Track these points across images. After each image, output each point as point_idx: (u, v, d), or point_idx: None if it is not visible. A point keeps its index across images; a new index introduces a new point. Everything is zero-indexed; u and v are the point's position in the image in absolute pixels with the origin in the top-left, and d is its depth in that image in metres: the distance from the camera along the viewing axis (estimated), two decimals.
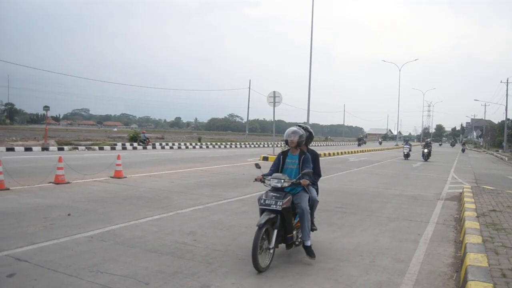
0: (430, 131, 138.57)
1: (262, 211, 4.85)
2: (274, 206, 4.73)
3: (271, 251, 4.81)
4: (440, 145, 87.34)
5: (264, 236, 4.67)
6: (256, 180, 5.27)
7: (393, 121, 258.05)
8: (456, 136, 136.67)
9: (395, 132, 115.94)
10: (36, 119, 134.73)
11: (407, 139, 39.79)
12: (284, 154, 5.44)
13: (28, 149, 22.97)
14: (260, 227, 4.58)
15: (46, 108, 26.42)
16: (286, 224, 4.89)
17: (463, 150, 51.25)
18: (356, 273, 4.87)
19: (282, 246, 5.21)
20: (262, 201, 4.84)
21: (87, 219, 6.94)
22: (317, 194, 5.81)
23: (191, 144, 37.87)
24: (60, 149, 24.54)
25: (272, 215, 4.72)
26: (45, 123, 31.84)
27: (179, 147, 34.63)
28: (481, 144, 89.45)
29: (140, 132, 37.81)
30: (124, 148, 29.27)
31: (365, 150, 42.20)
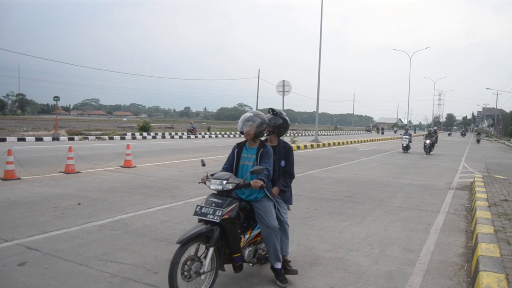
0: (441, 120, 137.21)
1: (199, 222, 3.75)
2: (211, 216, 3.58)
3: (204, 277, 3.60)
4: (449, 134, 78.27)
5: (197, 256, 3.59)
6: (201, 181, 4.11)
7: (403, 110, 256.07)
8: (467, 125, 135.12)
9: (405, 121, 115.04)
10: (46, 110, 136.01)
11: (406, 128, 30.25)
12: (240, 146, 4.28)
13: (39, 139, 23.19)
14: (182, 244, 3.41)
15: (56, 98, 26.57)
16: (229, 240, 3.74)
17: (478, 141, 44.97)
18: (366, 262, 4.84)
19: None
20: (197, 209, 3.70)
21: (97, 209, 6.98)
22: (291, 201, 4.52)
23: (200, 134, 37.92)
24: (71, 139, 24.74)
25: (208, 227, 3.59)
26: (56, 113, 32.10)
27: (189, 137, 34.69)
28: (492, 133, 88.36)
29: (150, 122, 38.43)
30: (133, 137, 29.41)
31: (375, 139, 41.95)
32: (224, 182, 3.78)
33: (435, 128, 31.39)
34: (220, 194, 3.78)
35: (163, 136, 32.50)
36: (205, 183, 4.00)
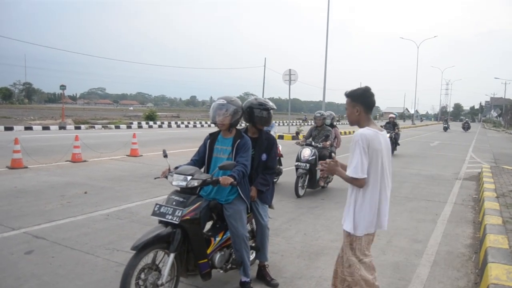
0: (448, 109, 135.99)
1: (159, 223, 3.25)
2: (170, 217, 3.10)
3: None
4: (446, 129, 43.87)
5: (154, 265, 3.12)
6: (161, 176, 3.50)
7: (410, 100, 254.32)
8: (474, 115, 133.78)
9: (412, 111, 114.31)
10: (53, 99, 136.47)
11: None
12: (213, 136, 3.73)
13: (45, 128, 23.28)
14: (137, 251, 2.97)
15: (63, 87, 26.59)
16: (192, 245, 3.26)
17: None
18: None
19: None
20: (156, 208, 3.20)
21: (104, 197, 7.00)
22: (271, 199, 4.02)
23: (206, 123, 37.88)
24: (77, 128, 24.81)
25: (168, 230, 3.11)
26: (62, 102, 32.17)
27: (195, 126, 34.70)
28: (500, 123, 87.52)
29: (156, 111, 38.93)
30: (140, 126, 29.46)
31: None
32: (189, 177, 3.23)
33: (392, 116, 17.50)
34: (184, 191, 3.27)
35: (169, 125, 32.53)
36: (166, 177, 3.41)
